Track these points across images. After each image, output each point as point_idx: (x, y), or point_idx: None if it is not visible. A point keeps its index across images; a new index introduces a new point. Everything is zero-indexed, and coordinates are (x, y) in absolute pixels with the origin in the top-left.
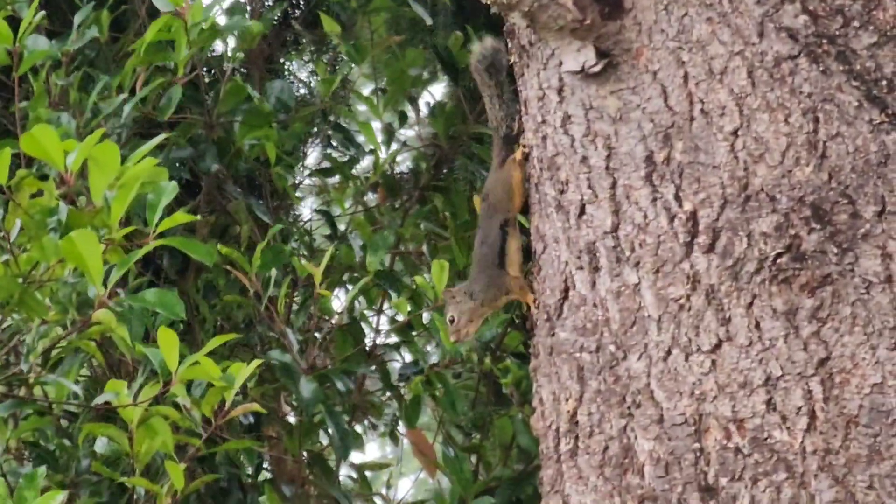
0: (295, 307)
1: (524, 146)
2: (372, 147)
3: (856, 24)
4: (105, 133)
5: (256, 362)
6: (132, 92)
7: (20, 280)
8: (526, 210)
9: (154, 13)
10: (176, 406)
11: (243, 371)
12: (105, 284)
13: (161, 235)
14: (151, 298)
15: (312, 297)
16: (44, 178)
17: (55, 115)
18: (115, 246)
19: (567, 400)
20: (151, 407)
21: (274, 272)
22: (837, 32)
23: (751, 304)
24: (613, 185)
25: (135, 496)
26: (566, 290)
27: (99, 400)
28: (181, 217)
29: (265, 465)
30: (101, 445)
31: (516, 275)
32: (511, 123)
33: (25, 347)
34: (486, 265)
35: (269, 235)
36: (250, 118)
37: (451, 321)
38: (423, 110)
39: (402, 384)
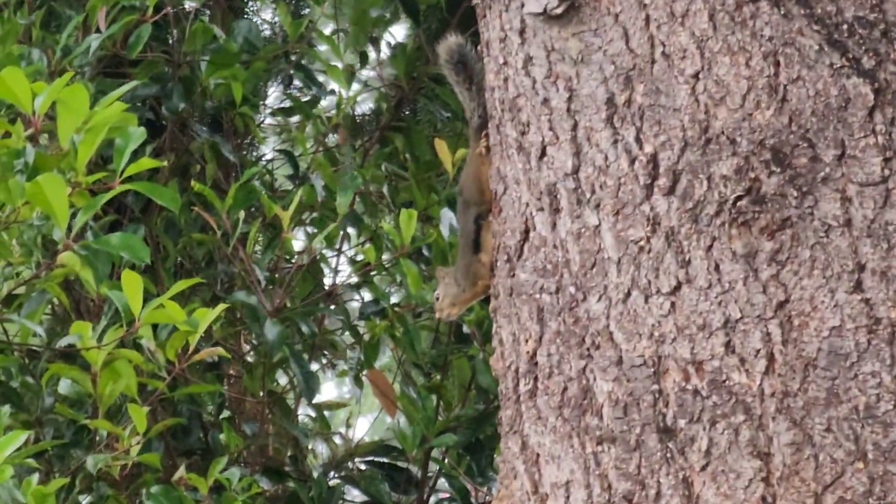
0: (258, 248)
1: (486, 137)
2: (333, 87)
3: None
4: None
5: (222, 306)
6: (97, 30)
7: None
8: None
9: None
10: (139, 347)
11: (208, 315)
12: (71, 227)
13: (127, 178)
14: (116, 242)
15: (279, 238)
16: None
17: (27, 51)
18: (82, 189)
19: (527, 341)
20: (115, 350)
21: (241, 212)
22: None
23: (710, 246)
24: (574, 127)
25: (97, 437)
26: (526, 232)
27: (63, 342)
28: (148, 163)
29: (225, 403)
30: (64, 386)
31: (487, 260)
32: (483, 113)
33: None
34: (464, 253)
35: (246, 176)
36: (217, 58)
37: (437, 299)
38: (385, 51)
39: (361, 324)
